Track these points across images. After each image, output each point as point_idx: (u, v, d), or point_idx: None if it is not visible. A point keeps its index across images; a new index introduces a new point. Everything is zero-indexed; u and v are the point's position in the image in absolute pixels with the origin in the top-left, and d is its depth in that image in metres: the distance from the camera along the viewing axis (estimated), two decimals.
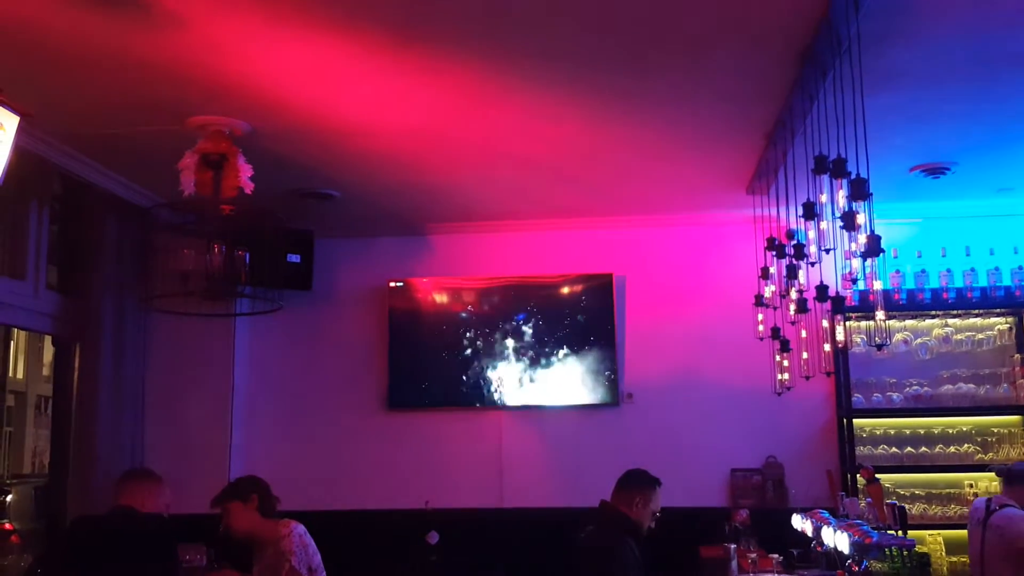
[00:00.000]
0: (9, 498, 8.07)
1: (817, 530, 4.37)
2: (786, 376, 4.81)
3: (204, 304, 4.62)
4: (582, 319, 5.80)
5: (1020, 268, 5.42)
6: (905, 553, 3.78)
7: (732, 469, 5.63)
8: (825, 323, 4.03)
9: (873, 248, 2.89)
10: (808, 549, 4.73)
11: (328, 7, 3.01)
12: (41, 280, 4.69)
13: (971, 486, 5.32)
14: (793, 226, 4.12)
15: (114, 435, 4.95)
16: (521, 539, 5.46)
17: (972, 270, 5.45)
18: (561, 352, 5.78)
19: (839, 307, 3.69)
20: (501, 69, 3.52)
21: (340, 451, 5.83)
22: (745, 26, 3.17)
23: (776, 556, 4.76)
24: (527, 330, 5.82)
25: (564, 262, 5.91)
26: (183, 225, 4.35)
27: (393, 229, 5.94)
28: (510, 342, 5.82)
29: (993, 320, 5.62)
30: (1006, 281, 5.42)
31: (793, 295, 4.13)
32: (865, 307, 4.83)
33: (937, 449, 5.42)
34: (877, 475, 4.51)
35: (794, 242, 3.98)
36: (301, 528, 3.68)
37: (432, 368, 5.83)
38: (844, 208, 2.97)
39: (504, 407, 5.79)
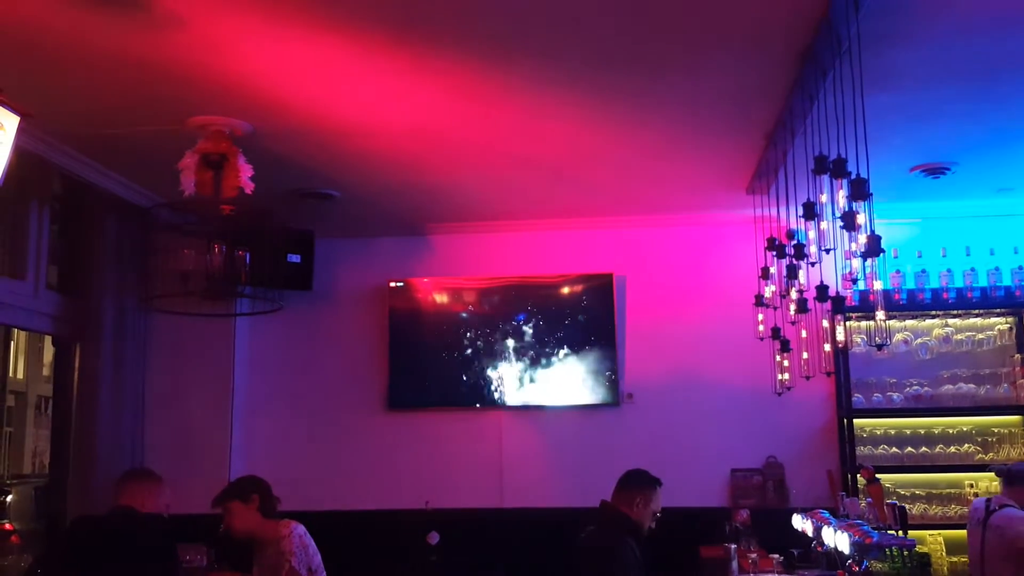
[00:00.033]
0: (9, 498, 8.07)
1: (817, 530, 4.38)
2: (786, 376, 4.81)
3: (204, 304, 4.63)
4: (582, 319, 5.80)
5: (1020, 268, 5.42)
6: (905, 553, 3.78)
7: (732, 469, 5.62)
8: (825, 323, 4.04)
9: (873, 248, 2.89)
10: (808, 549, 4.73)
11: (329, 7, 3.01)
12: (41, 280, 4.69)
13: (971, 486, 5.32)
14: (793, 226, 4.12)
15: (114, 435, 4.95)
16: (521, 539, 5.46)
17: (972, 270, 5.45)
18: (561, 352, 5.78)
19: (839, 307, 3.69)
20: (501, 69, 3.52)
21: (340, 451, 5.83)
22: (745, 26, 3.17)
23: (776, 556, 4.76)
24: (527, 330, 5.82)
25: (564, 262, 5.91)
26: (183, 225, 4.35)
27: (393, 229, 5.94)
28: (510, 342, 5.82)
29: (993, 320, 5.62)
30: (1006, 281, 5.42)
31: (793, 295, 4.13)
32: (865, 307, 4.83)
33: (937, 449, 5.42)
34: (877, 475, 4.51)
35: (794, 242, 3.98)
36: (301, 528, 3.67)
37: (432, 368, 5.83)
38: (844, 208, 2.97)
39: (504, 407, 5.79)
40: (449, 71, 3.53)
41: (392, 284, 5.91)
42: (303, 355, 5.98)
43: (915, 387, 5.50)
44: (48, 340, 5.40)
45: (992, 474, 4.96)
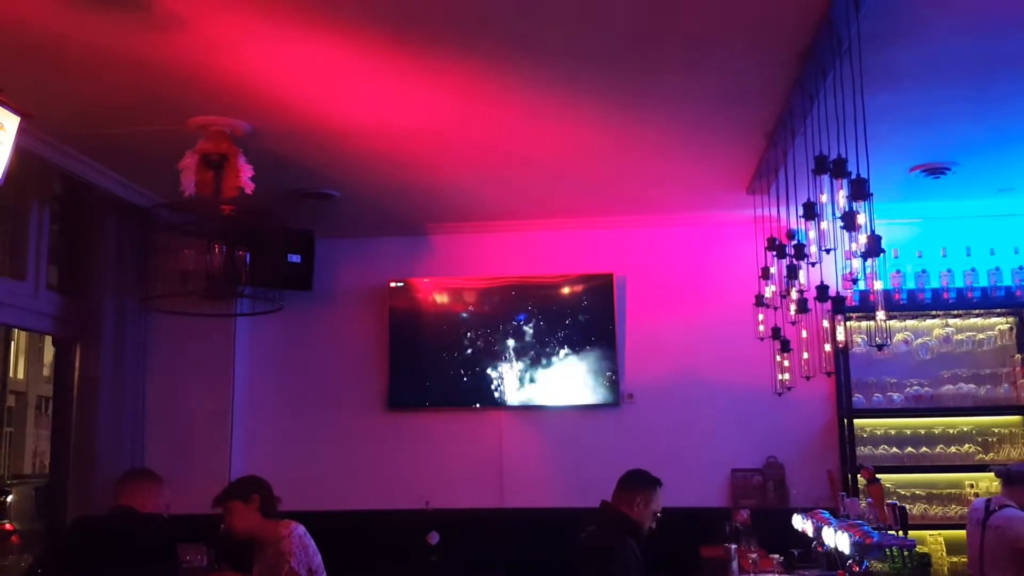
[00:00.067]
0: (9, 498, 8.08)
1: (818, 530, 4.38)
2: (787, 376, 4.81)
3: (204, 304, 4.63)
4: (583, 319, 5.80)
5: (1021, 268, 5.42)
6: (906, 553, 3.78)
7: (733, 469, 5.62)
8: (825, 323, 4.04)
9: (873, 248, 2.89)
10: (809, 549, 4.73)
11: (329, 7, 3.01)
12: (41, 280, 4.69)
13: (972, 486, 5.32)
14: (793, 226, 4.12)
15: (114, 435, 4.95)
16: (521, 539, 5.46)
17: (973, 270, 5.45)
18: (562, 352, 5.78)
19: (839, 307, 3.69)
20: (501, 69, 3.52)
21: (340, 451, 5.83)
22: (745, 26, 3.17)
23: (777, 556, 4.76)
24: (528, 330, 5.82)
25: (564, 262, 5.90)
26: (183, 225, 4.35)
27: (393, 229, 5.94)
28: (511, 342, 5.82)
29: (994, 320, 5.62)
30: (1007, 281, 5.42)
31: (793, 295, 4.13)
32: (865, 307, 4.80)
33: (938, 449, 5.42)
34: (878, 475, 4.51)
35: (794, 242, 3.98)
36: (301, 529, 3.68)
37: (432, 368, 5.83)
38: (844, 208, 2.97)
39: (504, 407, 5.79)
40: (449, 71, 3.53)
41: (392, 284, 5.91)
42: (303, 355, 5.97)
43: (915, 387, 5.50)
44: (48, 340, 5.40)
45: (992, 474, 4.96)
